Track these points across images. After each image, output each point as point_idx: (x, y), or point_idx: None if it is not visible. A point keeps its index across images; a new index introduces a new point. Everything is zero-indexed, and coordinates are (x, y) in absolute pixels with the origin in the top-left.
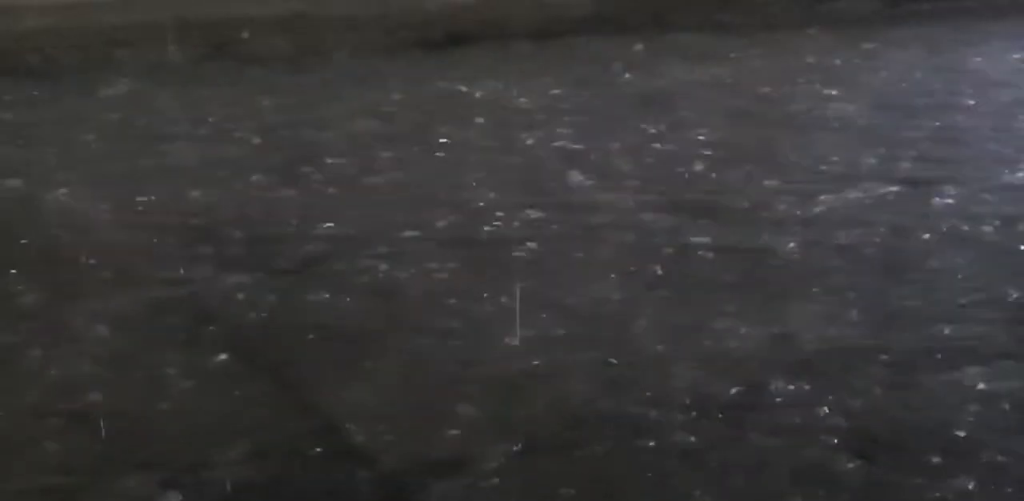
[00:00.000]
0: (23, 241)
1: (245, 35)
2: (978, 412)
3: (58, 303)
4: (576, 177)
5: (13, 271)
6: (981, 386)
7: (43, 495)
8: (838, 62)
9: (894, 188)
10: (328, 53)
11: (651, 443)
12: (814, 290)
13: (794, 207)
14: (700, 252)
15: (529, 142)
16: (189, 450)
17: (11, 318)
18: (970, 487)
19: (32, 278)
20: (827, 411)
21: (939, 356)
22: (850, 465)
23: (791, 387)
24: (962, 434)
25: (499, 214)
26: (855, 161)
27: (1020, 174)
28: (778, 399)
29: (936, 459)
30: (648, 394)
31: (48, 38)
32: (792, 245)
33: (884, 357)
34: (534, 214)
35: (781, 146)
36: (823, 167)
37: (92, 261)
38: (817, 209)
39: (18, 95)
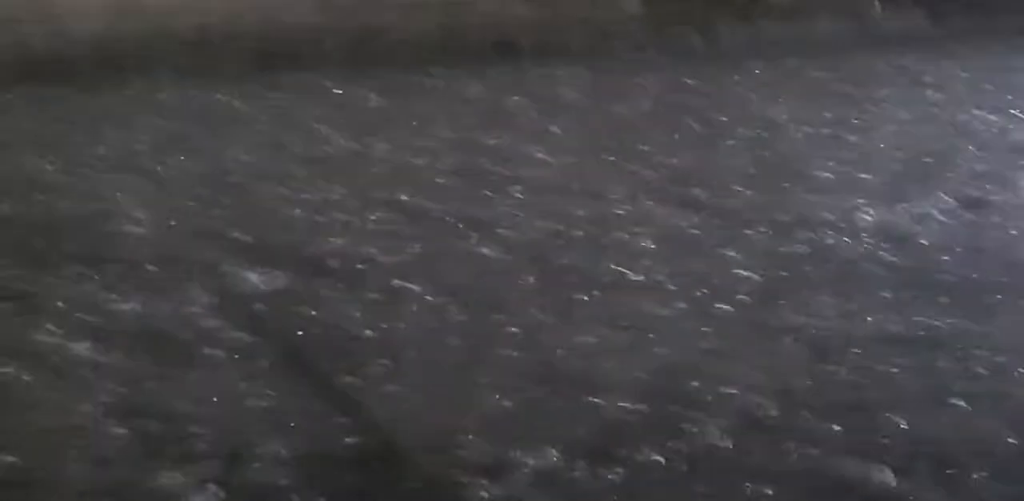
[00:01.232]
0: (67, 244)
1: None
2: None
3: (101, 303)
4: None
5: (58, 272)
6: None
7: (85, 489)
8: (882, 77)
9: (941, 205)
10: (377, 61)
11: (687, 451)
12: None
13: (838, 222)
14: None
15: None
16: (229, 448)
17: (54, 317)
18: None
19: (76, 280)
20: (865, 426)
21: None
22: (886, 479)
23: (829, 400)
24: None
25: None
26: (899, 177)
27: None
28: (816, 412)
29: (976, 476)
30: (687, 404)
31: (100, 43)
32: (835, 252)
33: (924, 373)
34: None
35: (819, 161)
36: (864, 182)
37: (136, 262)
38: (862, 224)
39: (67, 99)
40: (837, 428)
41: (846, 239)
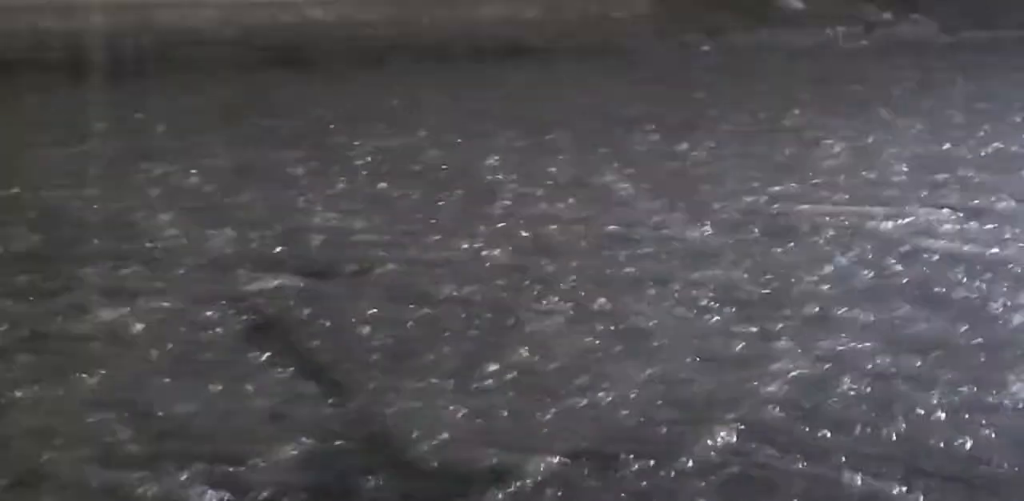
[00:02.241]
0: (80, 242)
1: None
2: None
3: (113, 303)
4: None
5: (71, 271)
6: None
7: (94, 489)
8: (893, 86)
9: (944, 213)
10: (382, 59)
11: (689, 462)
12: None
13: (847, 229)
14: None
15: None
16: (237, 450)
17: (69, 316)
18: None
19: (89, 279)
20: (868, 437)
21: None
22: (892, 492)
23: (832, 411)
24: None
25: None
26: (906, 186)
27: None
28: (818, 423)
29: (977, 488)
30: (686, 413)
31: (110, 36)
32: (840, 266)
33: (931, 384)
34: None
35: (834, 168)
36: (877, 191)
37: (145, 262)
38: (867, 232)
39: (75, 91)
40: (844, 440)
41: (854, 247)
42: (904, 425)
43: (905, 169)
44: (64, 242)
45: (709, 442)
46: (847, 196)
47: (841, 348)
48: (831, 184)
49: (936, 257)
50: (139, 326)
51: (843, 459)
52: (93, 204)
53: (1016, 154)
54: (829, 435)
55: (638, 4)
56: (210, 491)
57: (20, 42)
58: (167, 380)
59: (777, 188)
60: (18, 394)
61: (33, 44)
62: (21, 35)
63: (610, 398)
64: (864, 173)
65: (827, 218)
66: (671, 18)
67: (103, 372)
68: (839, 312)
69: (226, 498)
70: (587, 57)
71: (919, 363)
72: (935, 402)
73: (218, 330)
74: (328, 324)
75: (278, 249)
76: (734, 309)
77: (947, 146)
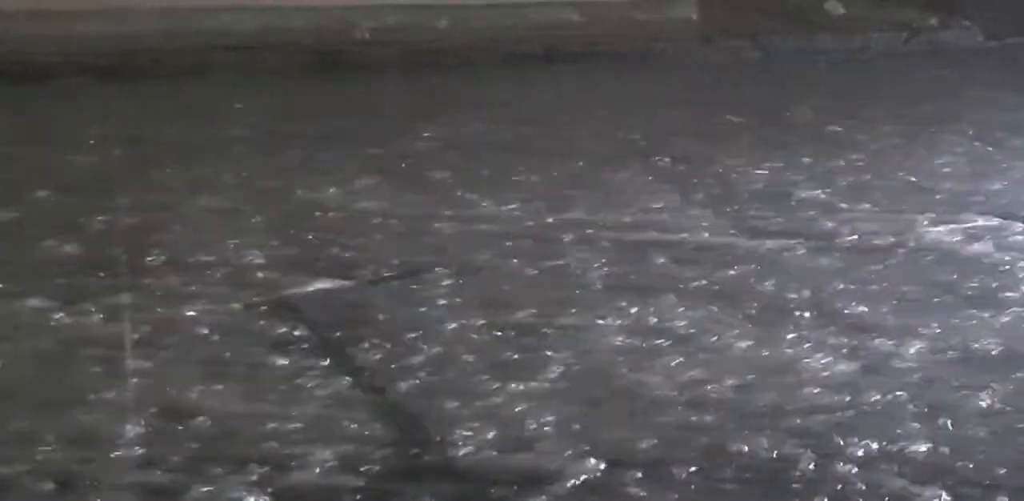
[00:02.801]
0: (128, 243)
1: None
2: None
3: (160, 305)
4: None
5: (117, 273)
6: None
7: (138, 491)
8: (934, 93)
9: (995, 222)
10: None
11: (733, 466)
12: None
13: (896, 236)
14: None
15: None
16: (280, 453)
17: (114, 318)
18: None
19: (134, 281)
20: (915, 443)
21: None
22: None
23: (879, 417)
24: None
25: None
26: (955, 192)
27: None
28: (864, 429)
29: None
30: (734, 418)
31: (157, 41)
32: (891, 273)
33: (978, 394)
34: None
35: (871, 176)
36: (924, 198)
37: (191, 264)
38: (919, 239)
39: (125, 96)
40: (888, 447)
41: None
42: (952, 432)
43: (956, 176)
44: (100, 246)
45: (750, 449)
46: (897, 204)
47: (886, 354)
48: (878, 192)
49: (985, 263)
50: (179, 330)
51: (887, 465)
52: (138, 209)
53: None
54: (874, 442)
55: (683, 9)
56: (252, 496)
57: (60, 47)
58: (209, 384)
59: (819, 194)
60: (61, 397)
61: (72, 49)
62: (59, 40)
63: (652, 404)
64: (911, 180)
65: (872, 225)
66: (715, 23)
67: (144, 376)
68: (883, 318)
69: None
70: (630, 63)
71: (967, 370)
72: (983, 410)
73: (261, 334)
74: (374, 329)
75: (325, 252)
76: (778, 317)
77: (994, 152)
